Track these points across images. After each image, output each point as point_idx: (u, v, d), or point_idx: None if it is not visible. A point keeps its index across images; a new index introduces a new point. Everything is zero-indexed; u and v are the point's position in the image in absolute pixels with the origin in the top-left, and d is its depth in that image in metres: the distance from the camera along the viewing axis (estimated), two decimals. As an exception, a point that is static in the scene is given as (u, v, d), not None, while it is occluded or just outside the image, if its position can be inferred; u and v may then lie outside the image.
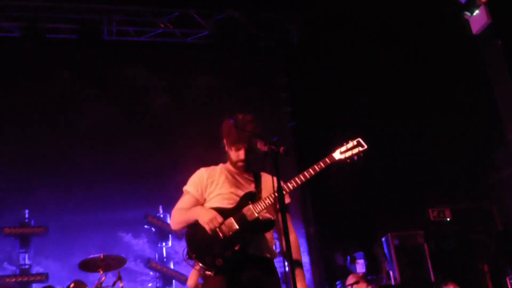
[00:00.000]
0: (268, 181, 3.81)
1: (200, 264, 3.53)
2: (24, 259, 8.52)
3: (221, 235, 3.52)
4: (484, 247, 9.13)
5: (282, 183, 3.66)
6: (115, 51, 10.38)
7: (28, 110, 9.66)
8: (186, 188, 3.86)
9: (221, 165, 3.94)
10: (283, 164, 3.29)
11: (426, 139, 9.90)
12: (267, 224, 3.71)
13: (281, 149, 3.30)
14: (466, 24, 9.05)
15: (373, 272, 9.06)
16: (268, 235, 3.78)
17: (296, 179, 3.64)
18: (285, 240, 3.06)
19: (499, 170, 9.98)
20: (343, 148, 3.67)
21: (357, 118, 9.89)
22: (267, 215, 3.73)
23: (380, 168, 9.73)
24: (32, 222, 8.78)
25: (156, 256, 9.15)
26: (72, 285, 6.09)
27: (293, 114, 11.02)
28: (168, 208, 9.02)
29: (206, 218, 3.53)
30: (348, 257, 9.63)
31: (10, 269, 8.74)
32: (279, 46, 11.00)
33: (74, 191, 9.27)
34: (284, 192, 3.53)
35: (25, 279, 8.07)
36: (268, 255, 3.74)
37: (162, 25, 10.37)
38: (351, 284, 7.95)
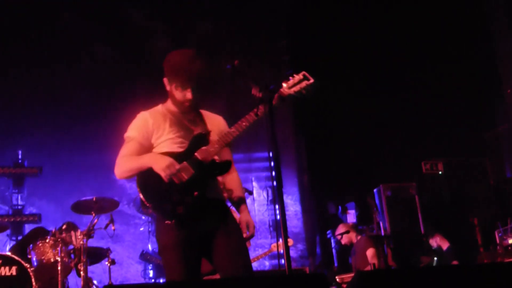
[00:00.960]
0: (213, 120, 3.69)
1: (159, 214, 3.37)
2: (17, 199, 8.55)
3: (177, 181, 3.31)
4: (475, 201, 9.21)
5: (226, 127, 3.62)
6: None
7: (27, 51, 9.48)
8: (128, 134, 3.58)
9: (161, 106, 3.67)
10: (278, 112, 3.22)
11: (422, 91, 9.85)
12: (224, 166, 3.56)
13: (275, 98, 3.21)
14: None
15: (364, 222, 9.15)
16: (219, 177, 3.63)
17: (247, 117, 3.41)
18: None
19: (495, 125, 9.99)
20: (290, 82, 3.36)
21: (355, 68, 9.81)
22: (217, 157, 3.55)
23: (377, 119, 9.72)
24: (26, 162, 8.76)
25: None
26: (64, 226, 6.11)
27: (292, 63, 10.89)
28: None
29: (163, 165, 3.29)
30: (340, 207, 9.72)
31: (3, 208, 8.77)
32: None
33: (69, 133, 9.19)
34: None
35: (18, 219, 8.11)
36: (222, 197, 3.61)
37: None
38: (341, 234, 8.05)
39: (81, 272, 5.80)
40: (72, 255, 5.99)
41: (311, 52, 9.96)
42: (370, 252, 7.53)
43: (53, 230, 5.97)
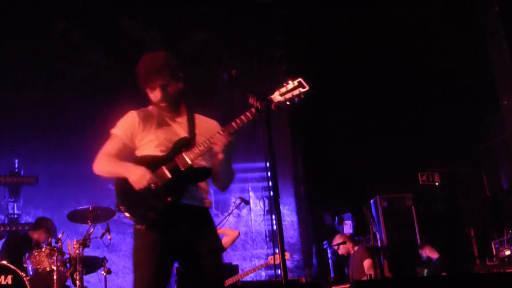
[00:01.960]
0: (204, 124, 3.58)
1: (130, 217, 3.30)
2: (13, 208, 8.53)
3: (152, 186, 3.26)
4: (471, 212, 9.22)
5: (218, 127, 3.48)
6: (111, 1, 10.17)
7: (22, 61, 9.49)
8: (114, 131, 3.54)
9: (151, 107, 3.61)
10: (275, 120, 3.21)
11: (418, 104, 9.89)
12: (202, 173, 3.44)
13: (273, 105, 3.20)
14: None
15: (360, 233, 9.15)
16: (202, 184, 3.49)
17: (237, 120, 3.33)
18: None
19: (491, 137, 10.02)
20: (283, 90, 3.31)
21: (352, 79, 9.84)
22: (202, 162, 3.44)
23: (373, 131, 9.75)
24: (22, 171, 8.75)
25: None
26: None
27: (289, 73, 10.92)
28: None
29: (135, 177, 3.26)
30: (336, 218, 9.72)
31: (-1, 217, 8.76)
32: (276, 3, 10.82)
33: (66, 142, 9.20)
34: (228, 132, 3.31)
35: (14, 228, 8.08)
36: (203, 205, 3.46)
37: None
38: (338, 244, 8.03)
39: (77, 282, 5.78)
40: (68, 264, 5.98)
41: (308, 62, 10.00)
42: (367, 263, 7.52)
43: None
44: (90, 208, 6.11)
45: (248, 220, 9.86)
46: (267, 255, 7.34)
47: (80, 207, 6.17)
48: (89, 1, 9.97)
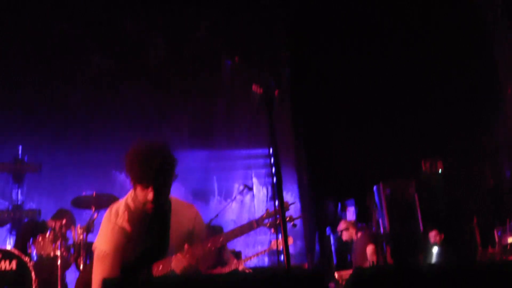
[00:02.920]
0: (179, 219, 3.23)
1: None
2: (17, 194, 8.55)
3: None
4: (474, 200, 9.23)
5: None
6: (112, 2, 10.13)
7: (27, 51, 9.49)
8: (104, 248, 3.07)
9: (124, 202, 3.19)
10: (277, 112, 3.21)
11: (421, 93, 9.87)
12: None
13: (276, 92, 3.19)
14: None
15: (363, 219, 9.16)
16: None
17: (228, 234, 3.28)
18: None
19: (495, 128, 10.00)
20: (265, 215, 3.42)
21: (355, 72, 9.82)
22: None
23: (377, 118, 9.73)
24: (26, 158, 8.76)
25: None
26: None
27: (293, 75, 10.87)
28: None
29: None
30: (339, 204, 9.73)
31: (3, 204, 8.78)
32: (279, 3, 10.75)
33: (70, 130, 9.25)
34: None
35: (18, 214, 8.11)
36: None
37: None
38: (341, 231, 8.06)
39: (81, 267, 5.81)
40: (72, 250, 6.01)
41: (312, 63, 10.01)
42: (370, 249, 7.54)
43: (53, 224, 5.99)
44: (94, 194, 6.14)
45: (251, 207, 9.89)
46: (270, 241, 7.36)
47: (84, 193, 6.22)
48: (90, 1, 9.92)
